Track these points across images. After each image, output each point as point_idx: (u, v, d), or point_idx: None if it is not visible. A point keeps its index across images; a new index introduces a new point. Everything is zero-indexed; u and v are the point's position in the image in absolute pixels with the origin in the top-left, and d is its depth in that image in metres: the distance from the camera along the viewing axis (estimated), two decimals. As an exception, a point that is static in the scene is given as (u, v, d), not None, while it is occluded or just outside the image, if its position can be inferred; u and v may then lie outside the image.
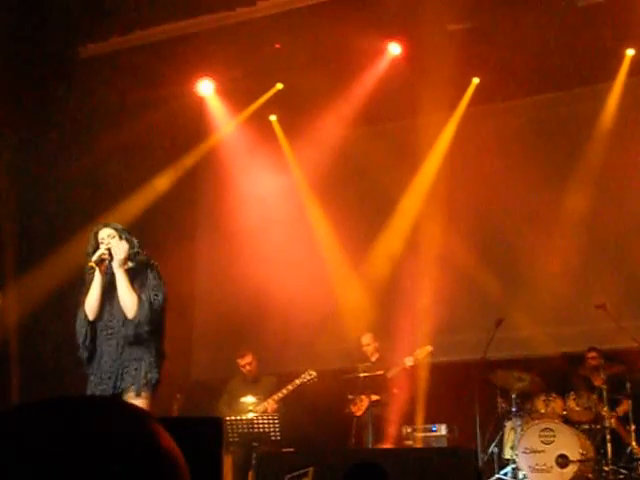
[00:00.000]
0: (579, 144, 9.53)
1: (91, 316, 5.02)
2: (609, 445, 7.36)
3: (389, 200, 9.90)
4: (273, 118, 10.45)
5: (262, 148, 10.09)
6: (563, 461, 7.24)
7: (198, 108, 9.67)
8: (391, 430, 8.14)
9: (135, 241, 5.10)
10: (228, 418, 7.36)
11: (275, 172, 10.20)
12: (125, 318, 4.96)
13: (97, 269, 4.95)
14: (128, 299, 4.96)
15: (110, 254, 4.97)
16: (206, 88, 9.53)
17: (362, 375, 8.15)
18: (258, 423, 7.31)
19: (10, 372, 8.02)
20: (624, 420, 7.61)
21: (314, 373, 7.99)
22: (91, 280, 5.03)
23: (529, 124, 9.82)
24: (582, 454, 7.21)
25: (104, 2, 7.58)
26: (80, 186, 8.51)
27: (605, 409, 7.49)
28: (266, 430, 7.25)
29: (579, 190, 9.31)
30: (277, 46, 8.72)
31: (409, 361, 8.21)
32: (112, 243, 5.00)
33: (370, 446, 7.94)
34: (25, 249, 8.08)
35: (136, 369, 4.90)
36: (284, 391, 7.98)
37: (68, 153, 8.34)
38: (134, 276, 5.06)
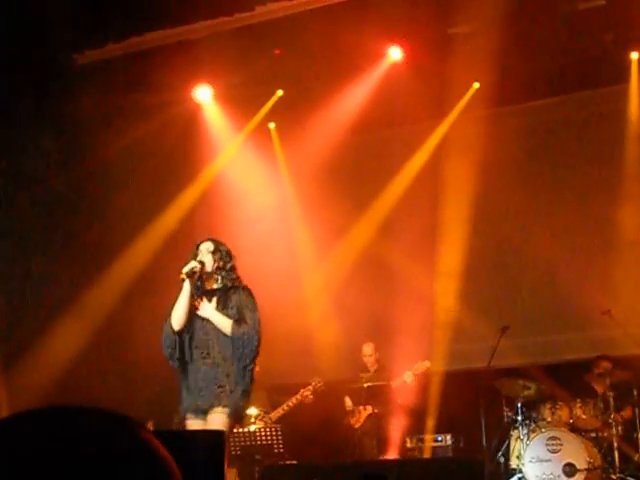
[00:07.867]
0: (582, 148, 9.46)
1: (176, 326, 5.10)
2: (616, 453, 7.31)
3: (391, 207, 9.80)
4: (272, 126, 10.34)
5: (259, 156, 9.99)
6: (570, 470, 7.16)
7: (195, 114, 9.59)
8: (395, 441, 8.05)
9: (229, 262, 5.21)
10: (230, 431, 7.21)
11: (273, 181, 10.10)
12: (219, 337, 5.07)
13: (187, 280, 5.07)
14: (220, 321, 5.08)
15: (202, 267, 5.11)
16: (204, 94, 9.45)
17: (365, 385, 8.04)
18: (261, 435, 7.15)
19: None
20: (630, 427, 7.53)
21: (321, 380, 7.89)
22: (180, 290, 5.13)
23: (530, 128, 9.75)
24: (589, 462, 7.14)
25: (100, 8, 7.51)
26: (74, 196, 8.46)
27: (612, 416, 7.41)
28: (269, 442, 7.08)
29: (583, 194, 9.24)
30: (276, 52, 8.65)
31: (408, 377, 8.12)
32: (206, 258, 5.15)
33: (375, 457, 7.84)
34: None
35: (232, 391, 4.98)
36: (294, 400, 7.85)
37: (63, 160, 8.27)
38: (225, 295, 5.16)
